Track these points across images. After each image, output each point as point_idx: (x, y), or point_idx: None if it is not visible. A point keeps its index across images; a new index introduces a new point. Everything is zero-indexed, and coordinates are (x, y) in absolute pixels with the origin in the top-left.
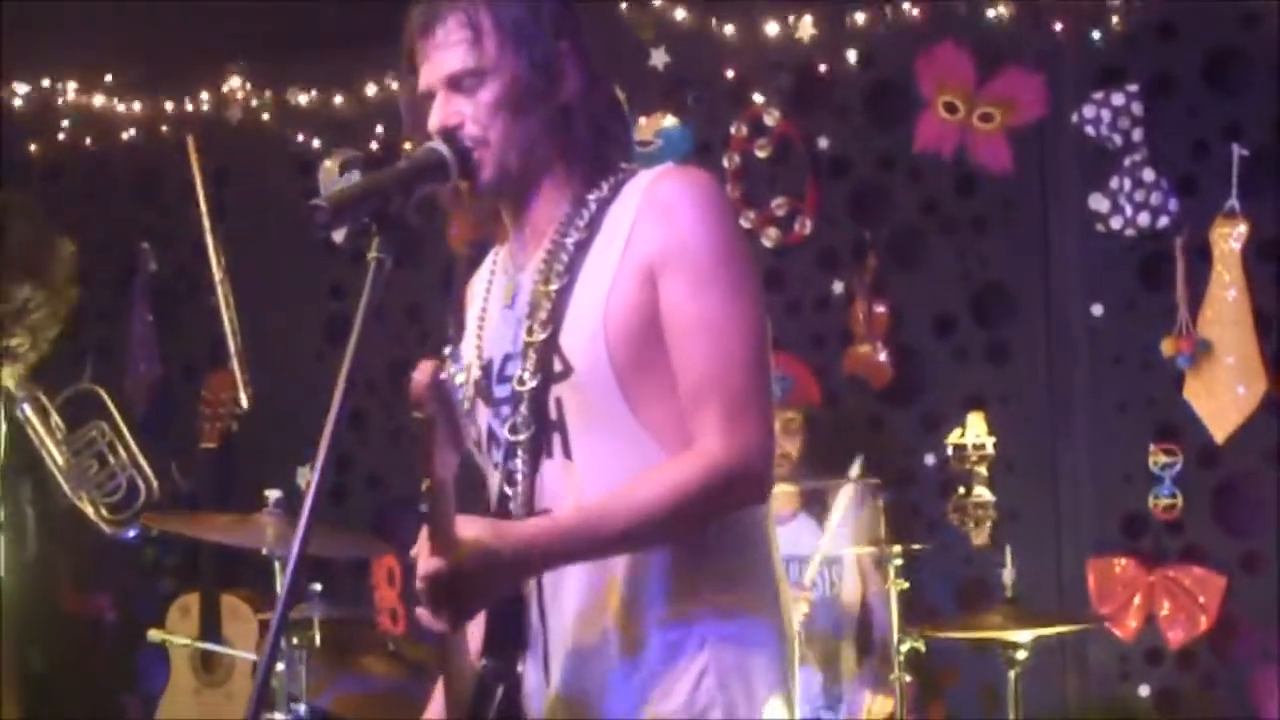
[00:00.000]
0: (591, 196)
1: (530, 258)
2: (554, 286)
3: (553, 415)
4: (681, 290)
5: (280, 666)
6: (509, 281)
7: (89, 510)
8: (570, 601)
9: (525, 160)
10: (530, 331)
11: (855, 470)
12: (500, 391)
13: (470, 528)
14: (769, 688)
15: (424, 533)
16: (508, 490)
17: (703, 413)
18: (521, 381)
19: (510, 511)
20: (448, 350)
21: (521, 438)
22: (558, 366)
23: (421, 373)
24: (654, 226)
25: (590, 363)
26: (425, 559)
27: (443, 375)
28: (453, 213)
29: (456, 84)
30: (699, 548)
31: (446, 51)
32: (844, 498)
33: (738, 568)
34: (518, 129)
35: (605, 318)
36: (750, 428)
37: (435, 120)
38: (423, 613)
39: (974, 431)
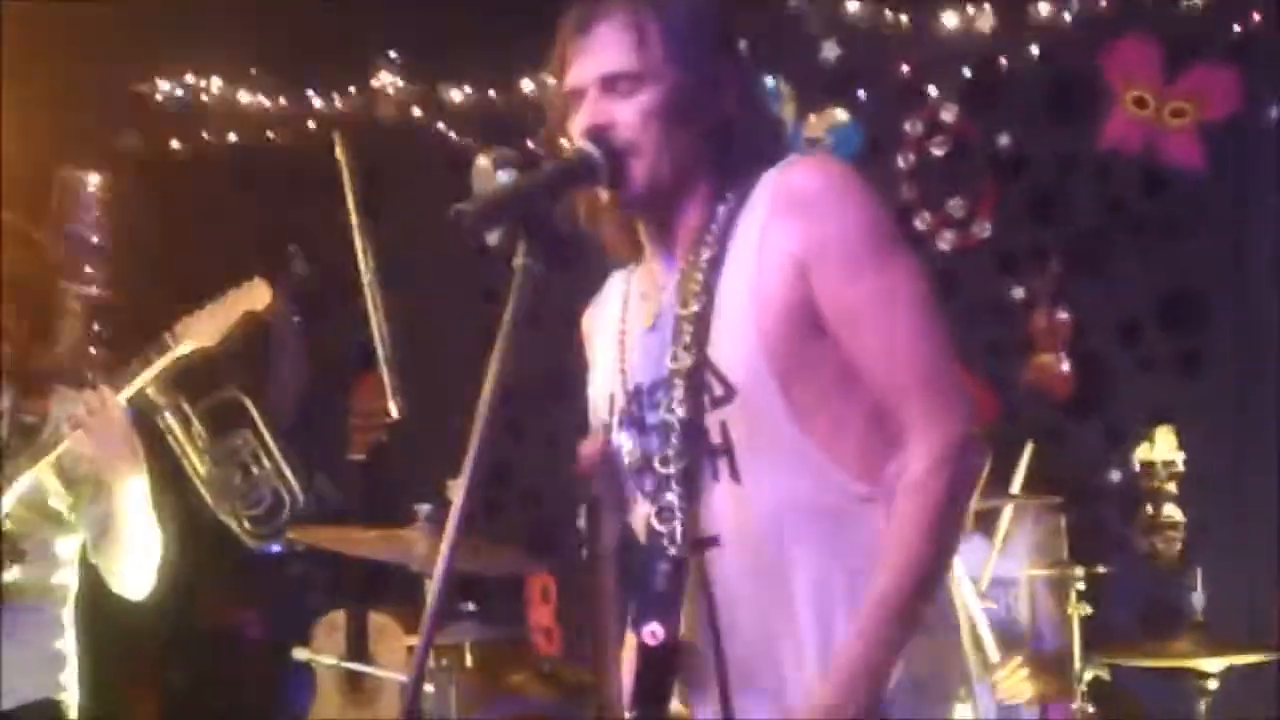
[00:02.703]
0: (721, 208)
1: (673, 277)
2: (694, 309)
3: (716, 439)
4: (838, 278)
5: (429, 688)
6: (650, 303)
7: (232, 523)
8: (749, 629)
9: (677, 173)
10: (675, 358)
11: (1016, 486)
12: (652, 418)
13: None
14: (953, 684)
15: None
16: (659, 526)
17: (905, 404)
18: (671, 410)
19: (663, 545)
20: (616, 420)
21: (673, 470)
22: (718, 390)
23: (590, 445)
24: (791, 221)
25: (749, 376)
26: None
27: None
28: (590, 229)
29: (611, 85)
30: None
31: (606, 51)
32: (1006, 515)
33: None
34: (672, 140)
35: (756, 327)
36: (953, 401)
37: (584, 120)
38: None
39: (1164, 446)
